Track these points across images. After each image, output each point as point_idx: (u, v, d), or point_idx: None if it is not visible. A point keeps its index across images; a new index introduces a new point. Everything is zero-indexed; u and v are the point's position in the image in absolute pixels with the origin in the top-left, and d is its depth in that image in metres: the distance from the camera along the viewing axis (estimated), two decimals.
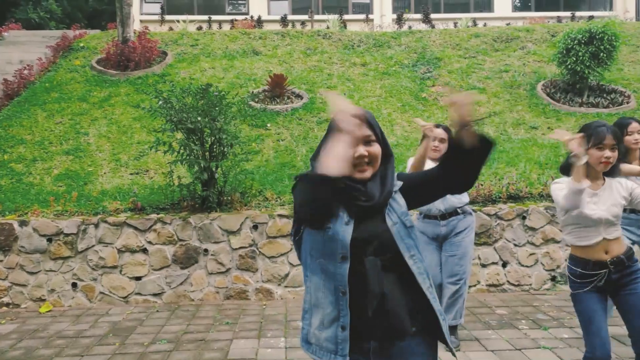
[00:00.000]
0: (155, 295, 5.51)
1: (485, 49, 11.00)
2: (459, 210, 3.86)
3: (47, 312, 5.22)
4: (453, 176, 1.70)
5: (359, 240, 1.67)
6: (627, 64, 10.14)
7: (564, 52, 8.70)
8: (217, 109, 5.53)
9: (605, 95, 8.88)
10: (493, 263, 5.70)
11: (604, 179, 2.70)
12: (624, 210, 3.73)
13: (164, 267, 5.53)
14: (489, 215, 5.72)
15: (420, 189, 1.78)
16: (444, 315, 1.76)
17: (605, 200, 2.62)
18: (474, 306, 5.10)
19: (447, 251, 3.90)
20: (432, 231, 3.92)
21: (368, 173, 1.71)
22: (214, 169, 5.75)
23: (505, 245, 5.72)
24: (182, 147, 5.63)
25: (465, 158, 1.62)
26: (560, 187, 2.64)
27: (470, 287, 5.68)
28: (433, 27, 14.22)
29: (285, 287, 5.60)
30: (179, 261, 5.54)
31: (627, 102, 8.64)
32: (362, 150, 1.68)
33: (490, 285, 5.69)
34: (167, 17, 15.60)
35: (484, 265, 5.71)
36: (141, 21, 15.72)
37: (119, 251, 5.50)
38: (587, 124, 2.68)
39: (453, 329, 4.00)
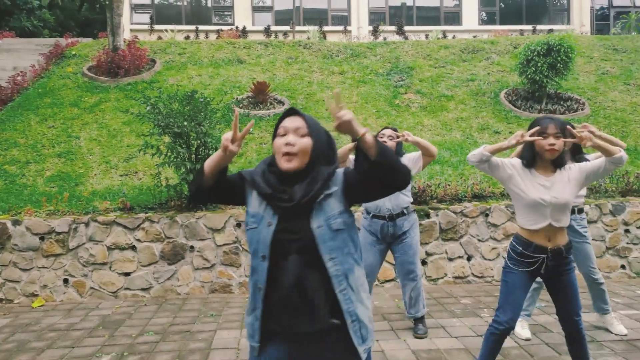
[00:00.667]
0: (143, 290, 5.48)
1: (453, 59, 11.16)
2: (405, 210, 3.89)
3: (39, 306, 5.16)
4: (377, 179, 1.66)
5: (282, 240, 1.69)
6: (582, 74, 10.39)
7: (525, 62, 8.89)
8: (202, 114, 5.53)
9: (562, 102, 9.10)
10: (459, 257, 5.80)
11: (555, 169, 2.75)
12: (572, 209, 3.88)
13: (152, 263, 5.51)
14: (455, 213, 5.82)
15: (363, 186, 1.71)
16: (356, 317, 1.71)
17: (557, 187, 2.68)
18: (441, 297, 5.19)
19: (400, 252, 3.94)
20: (381, 230, 3.90)
21: (293, 164, 1.70)
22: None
23: (470, 240, 5.83)
24: (169, 150, 5.62)
25: (372, 167, 1.62)
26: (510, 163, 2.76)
27: (438, 279, 5.78)
28: (406, 38, 14.38)
29: None
30: (167, 257, 5.52)
31: (582, 109, 8.86)
32: (290, 138, 1.71)
33: (456, 278, 5.79)
34: (156, 27, 15.47)
35: (450, 259, 5.81)
36: (131, 30, 15.56)
37: (109, 248, 5.46)
38: (535, 119, 2.75)
39: (421, 319, 4.08)
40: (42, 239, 5.42)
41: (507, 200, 6.00)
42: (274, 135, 1.82)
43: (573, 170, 2.73)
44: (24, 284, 5.38)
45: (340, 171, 1.78)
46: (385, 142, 3.82)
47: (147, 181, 6.46)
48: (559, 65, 8.63)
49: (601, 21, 18.28)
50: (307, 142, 1.72)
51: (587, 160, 3.71)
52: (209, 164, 1.76)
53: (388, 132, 3.87)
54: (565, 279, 2.75)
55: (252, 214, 1.78)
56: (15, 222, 5.42)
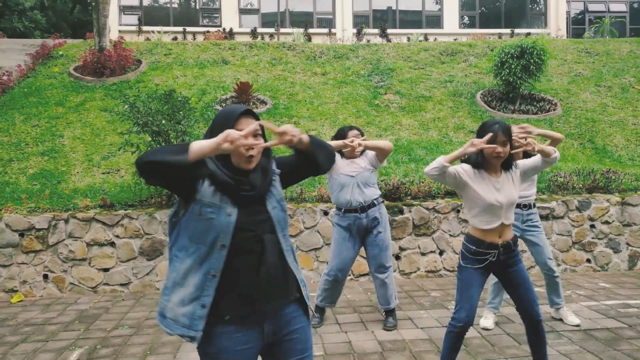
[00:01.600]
0: (122, 285, 5.45)
1: (433, 62, 11.22)
2: (375, 201, 3.92)
3: (18, 302, 5.10)
4: (309, 164, 1.93)
5: (245, 225, 1.75)
6: (556, 76, 10.50)
7: (499, 64, 8.97)
8: (181, 113, 5.51)
9: (535, 103, 9.19)
10: (431, 252, 5.84)
11: (502, 171, 2.80)
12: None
13: (130, 259, 5.48)
14: (427, 209, 5.86)
15: (294, 172, 1.96)
16: (304, 283, 1.91)
17: (506, 188, 2.74)
18: (412, 290, 5.23)
19: (372, 246, 3.95)
20: (354, 224, 3.91)
21: (253, 164, 1.78)
22: None
23: (442, 235, 5.87)
24: (148, 148, 5.59)
25: (306, 155, 1.91)
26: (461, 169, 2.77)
27: (410, 273, 5.82)
28: (389, 41, 14.45)
29: None
30: (145, 253, 5.49)
31: (554, 110, 8.97)
32: (251, 141, 1.71)
33: (428, 272, 5.83)
34: (145, 28, 15.37)
35: (423, 254, 5.85)
36: (120, 31, 15.45)
37: (88, 245, 5.42)
38: (484, 122, 2.78)
39: (391, 312, 4.09)
40: (22, 235, 5.37)
41: None
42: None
43: (515, 170, 2.80)
44: (3, 279, 5.32)
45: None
46: (352, 141, 3.85)
47: (128, 179, 6.42)
48: (531, 67, 8.72)
49: (577, 25, 18.49)
50: (261, 142, 1.79)
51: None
52: (198, 150, 1.62)
53: (354, 132, 3.91)
54: (517, 270, 2.80)
55: (208, 204, 1.76)
56: None
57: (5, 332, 4.15)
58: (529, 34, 15.53)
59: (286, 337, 1.85)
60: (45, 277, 5.39)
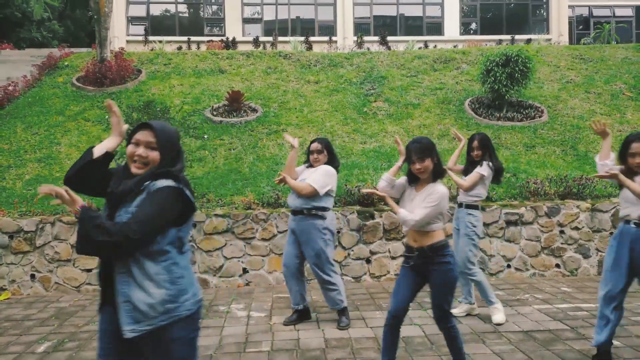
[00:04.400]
0: None
1: (425, 69, 11.39)
2: (305, 211, 4.12)
3: (5, 299, 5.46)
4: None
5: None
6: (547, 82, 10.58)
7: (485, 72, 9.11)
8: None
9: (522, 110, 9.29)
10: (401, 255, 6.03)
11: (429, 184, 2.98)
12: (460, 205, 4.17)
13: None
14: None
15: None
16: (128, 299, 1.93)
17: (417, 201, 2.95)
18: (377, 292, 5.42)
19: (305, 253, 4.20)
20: (292, 226, 4.24)
21: (141, 171, 1.97)
22: None
23: None
24: None
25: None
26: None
27: (380, 276, 6.01)
28: (389, 48, 14.63)
29: (220, 277, 5.89)
30: None
31: (540, 117, 9.06)
32: (141, 151, 1.97)
33: (397, 275, 5.99)
34: (151, 38, 15.86)
35: (393, 258, 6.04)
36: (127, 42, 15.98)
37: (72, 246, 5.76)
38: (409, 142, 2.98)
39: (342, 311, 4.31)
40: (11, 237, 5.74)
41: (449, 202, 6.21)
42: (128, 142, 2.08)
43: (428, 190, 2.95)
44: None
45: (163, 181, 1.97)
46: (316, 157, 4.17)
47: None
48: (517, 75, 8.83)
49: (582, 30, 18.42)
50: (155, 155, 1.99)
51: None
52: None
53: (314, 145, 4.26)
54: (435, 276, 2.98)
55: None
56: None
57: None
58: (529, 40, 15.59)
59: None
60: (33, 276, 5.75)
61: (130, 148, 2.03)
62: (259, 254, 5.92)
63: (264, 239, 5.92)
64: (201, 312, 2.11)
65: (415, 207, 2.92)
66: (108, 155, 2.13)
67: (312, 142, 4.29)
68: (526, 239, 6.10)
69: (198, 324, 2.09)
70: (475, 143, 4.29)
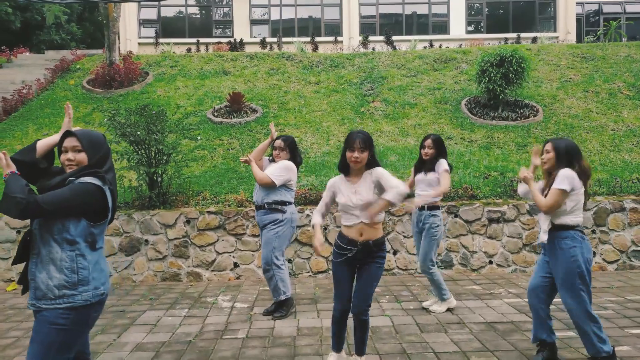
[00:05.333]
0: None
1: (425, 69, 11.56)
2: (266, 205, 4.44)
3: (12, 290, 5.87)
4: None
5: None
6: (546, 81, 10.65)
7: (480, 73, 9.25)
8: (156, 124, 6.16)
9: (518, 109, 9.41)
10: (386, 251, 6.25)
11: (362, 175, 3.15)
12: (422, 208, 4.37)
13: (111, 255, 6.16)
14: (383, 211, 6.28)
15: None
16: (33, 277, 2.22)
17: (364, 187, 3.13)
18: None
19: (262, 240, 4.55)
20: (256, 219, 4.59)
21: (67, 169, 2.30)
22: (159, 173, 6.38)
23: (396, 236, 6.28)
24: (129, 156, 6.27)
25: None
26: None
27: None
28: (394, 48, 14.82)
29: (212, 271, 6.21)
30: (124, 250, 6.17)
31: (534, 116, 9.17)
32: (69, 155, 2.28)
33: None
34: (161, 40, 16.32)
35: None
36: (139, 44, 16.48)
37: None
38: (349, 132, 3.19)
39: (282, 302, 4.55)
40: (18, 232, 6.15)
41: None
42: (59, 152, 2.39)
43: (374, 174, 3.14)
44: (2, 270, 6.12)
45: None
46: (277, 154, 4.47)
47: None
48: (511, 75, 8.96)
49: (591, 27, 18.27)
50: (82, 156, 2.31)
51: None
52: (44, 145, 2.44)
53: (278, 142, 4.58)
54: (368, 268, 3.17)
55: None
56: None
57: None
58: (535, 38, 15.58)
59: None
60: None
61: (62, 156, 2.35)
62: (249, 249, 6.22)
63: (254, 235, 6.22)
64: (99, 308, 2.33)
65: (370, 192, 3.08)
66: (39, 161, 2.41)
67: (276, 138, 4.60)
68: (508, 236, 6.28)
69: (89, 319, 2.29)
70: (429, 142, 4.48)
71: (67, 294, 2.21)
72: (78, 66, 12.10)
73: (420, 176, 4.55)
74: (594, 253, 6.35)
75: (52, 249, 2.21)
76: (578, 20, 17.50)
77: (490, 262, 6.29)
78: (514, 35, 16.18)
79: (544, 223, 3.34)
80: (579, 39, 16.73)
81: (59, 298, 2.20)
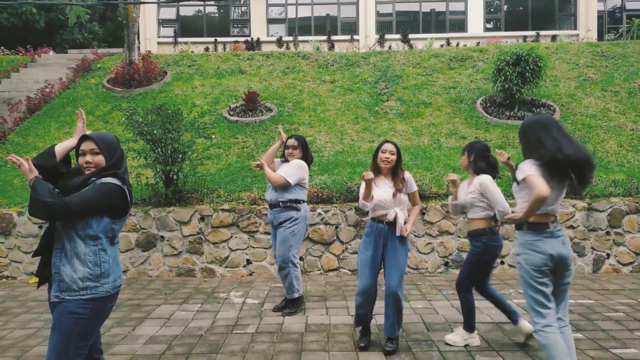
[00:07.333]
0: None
1: (441, 68, 11.51)
2: (281, 203, 4.52)
3: (34, 283, 6.10)
4: None
5: None
6: (564, 80, 10.52)
7: (496, 72, 9.19)
8: (172, 124, 6.31)
9: (534, 109, 9.33)
10: None
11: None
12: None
13: (128, 250, 6.35)
14: None
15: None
16: (57, 271, 2.35)
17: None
18: None
19: (276, 241, 4.63)
20: (269, 217, 4.66)
21: (85, 171, 2.42)
22: (175, 171, 6.54)
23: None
24: (146, 154, 6.44)
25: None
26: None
27: None
28: (411, 46, 14.76)
29: (225, 267, 6.34)
30: (141, 245, 6.35)
31: (552, 115, 9.06)
32: (87, 158, 2.40)
33: None
34: (180, 40, 16.57)
35: None
36: (158, 43, 16.76)
37: None
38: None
39: (292, 301, 4.65)
40: (40, 227, 6.38)
41: (443, 200, 6.45)
42: (77, 156, 2.50)
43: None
44: (25, 264, 6.36)
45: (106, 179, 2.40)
46: (290, 152, 4.60)
47: (132, 181, 7.32)
48: (527, 74, 8.88)
49: (613, 25, 17.91)
50: (100, 158, 2.44)
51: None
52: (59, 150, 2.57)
53: (290, 141, 4.69)
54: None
55: None
56: (20, 213, 6.41)
57: (14, 305, 5.11)
58: (555, 36, 15.36)
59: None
60: None
61: (80, 159, 2.47)
62: (261, 247, 6.34)
63: (266, 233, 6.33)
64: (114, 298, 2.48)
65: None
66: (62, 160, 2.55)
67: (288, 138, 4.69)
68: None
69: (106, 308, 2.44)
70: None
71: (90, 286, 2.35)
72: (99, 65, 12.39)
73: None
74: (608, 255, 6.29)
75: (76, 244, 2.34)
76: (600, 17, 17.17)
77: (502, 263, 6.28)
78: (533, 33, 15.96)
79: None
80: (600, 37, 16.41)
81: (82, 290, 2.34)
